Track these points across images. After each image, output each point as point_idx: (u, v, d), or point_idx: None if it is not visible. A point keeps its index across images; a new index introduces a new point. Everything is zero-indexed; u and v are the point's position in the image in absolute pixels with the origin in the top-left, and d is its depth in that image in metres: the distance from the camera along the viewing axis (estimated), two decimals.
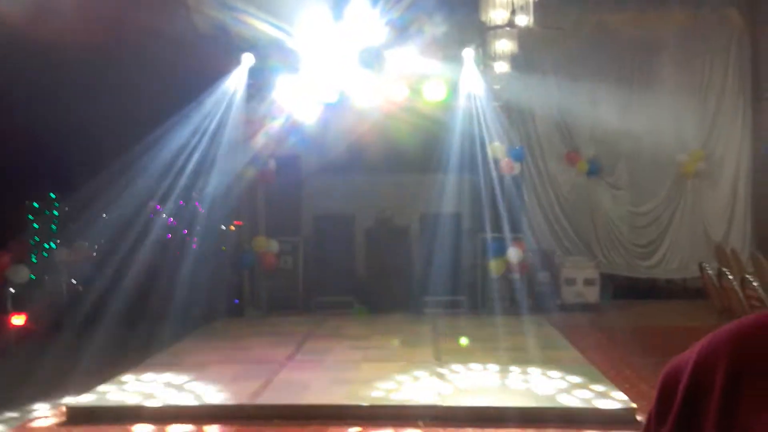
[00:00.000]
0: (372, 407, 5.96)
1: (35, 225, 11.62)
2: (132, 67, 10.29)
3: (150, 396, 6.32)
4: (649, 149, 11.81)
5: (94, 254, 11.48)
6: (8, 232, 11.29)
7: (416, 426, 5.67)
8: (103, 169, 11.46)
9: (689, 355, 0.90)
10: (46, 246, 11.70)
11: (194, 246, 12.03)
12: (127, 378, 6.97)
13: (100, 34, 8.77)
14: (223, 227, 11.92)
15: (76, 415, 5.94)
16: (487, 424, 5.66)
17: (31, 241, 11.73)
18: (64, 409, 6.06)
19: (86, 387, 6.53)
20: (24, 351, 8.96)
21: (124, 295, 9.53)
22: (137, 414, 5.97)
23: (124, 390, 6.55)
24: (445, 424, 5.69)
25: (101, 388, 6.57)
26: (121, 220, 11.16)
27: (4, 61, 8.44)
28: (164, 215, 11.38)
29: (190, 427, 5.74)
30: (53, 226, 11.96)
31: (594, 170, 11.92)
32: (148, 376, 7.00)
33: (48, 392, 6.55)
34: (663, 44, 11.71)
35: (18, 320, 9.51)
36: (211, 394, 6.38)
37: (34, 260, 11.12)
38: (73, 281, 10.67)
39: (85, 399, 6.24)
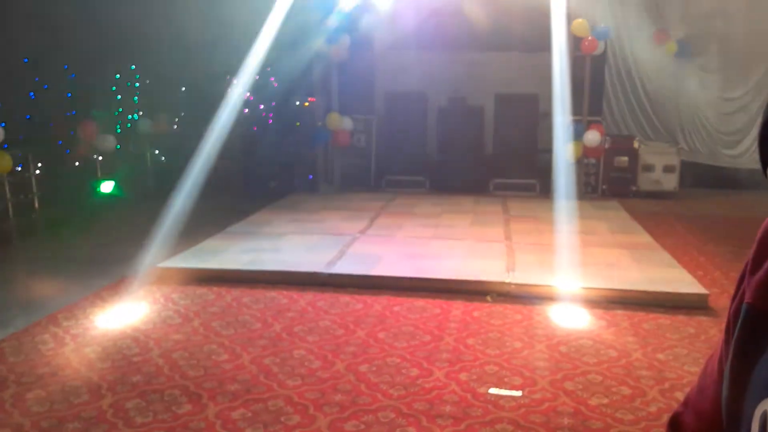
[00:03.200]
0: (441, 280, 6.13)
1: (118, 96, 11.97)
2: None
3: (232, 261, 6.68)
4: (744, 31, 11.02)
5: (175, 126, 11.83)
6: (93, 102, 11.72)
7: (485, 300, 5.82)
8: (181, 43, 11.58)
9: None
10: (129, 117, 12.11)
11: (270, 121, 12.23)
12: (210, 244, 7.36)
13: None
14: (298, 103, 12.00)
15: (166, 276, 6.35)
16: (553, 302, 5.77)
17: (115, 112, 12.15)
18: (155, 269, 6.47)
19: (172, 251, 6.93)
20: (113, 216, 9.52)
21: (205, 166, 9.83)
22: (221, 277, 6.34)
23: (208, 254, 6.93)
24: (513, 301, 5.83)
25: (187, 252, 6.98)
26: (200, 93, 11.38)
27: None
28: (241, 90, 11.46)
29: (270, 291, 6.07)
30: (135, 98, 12.30)
31: (684, 51, 11.25)
32: (229, 243, 7.37)
33: (138, 255, 6.97)
34: None
35: (106, 186, 10.02)
36: (288, 261, 6.68)
37: (118, 130, 11.56)
38: (156, 152, 11.06)
39: (174, 262, 6.65)
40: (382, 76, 11.54)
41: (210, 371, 4.44)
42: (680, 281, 6.09)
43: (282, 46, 10.54)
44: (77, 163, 9.89)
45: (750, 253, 0.88)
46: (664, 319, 5.43)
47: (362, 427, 3.73)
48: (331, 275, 6.30)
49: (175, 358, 4.65)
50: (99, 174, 9.93)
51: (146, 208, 8.74)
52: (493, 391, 4.16)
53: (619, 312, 5.60)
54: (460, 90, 11.16)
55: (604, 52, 10.67)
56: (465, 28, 10.81)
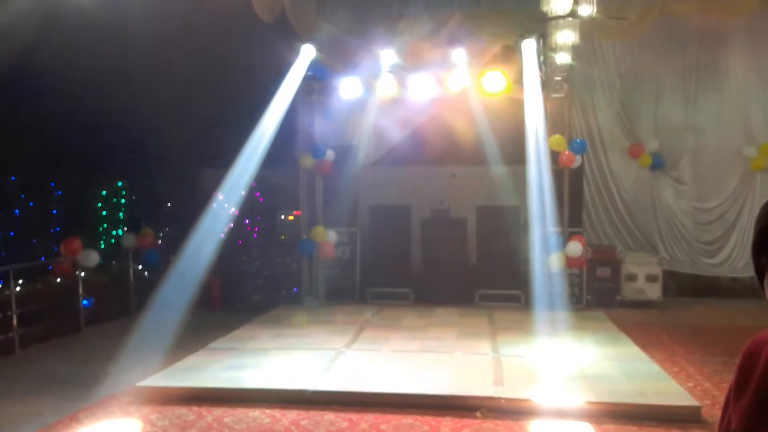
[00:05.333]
0: (429, 396, 5.99)
1: (103, 212, 12.05)
2: (196, 60, 10.53)
3: (214, 379, 6.51)
4: (714, 143, 11.48)
5: (159, 242, 11.84)
6: (78, 218, 11.79)
7: (474, 417, 5.67)
8: (170, 160, 11.83)
9: (765, 338, 0.91)
10: (114, 233, 12.13)
11: (254, 236, 12.30)
12: (191, 361, 7.19)
13: (166, 29, 8.98)
14: (283, 217, 12.13)
15: (145, 395, 6.15)
16: (544, 417, 5.63)
17: (99, 228, 12.19)
18: (133, 389, 6.27)
19: (153, 369, 6.76)
20: (93, 333, 9.34)
21: (189, 281, 9.78)
22: (202, 396, 6.15)
23: (189, 372, 6.76)
24: (504, 416, 5.68)
25: (168, 370, 6.80)
26: (185, 209, 11.50)
27: (73, 54, 8.75)
28: (226, 205, 11.58)
29: (252, 410, 5.88)
30: (120, 214, 12.38)
31: (657, 164, 11.63)
32: (211, 360, 7.21)
33: (117, 373, 6.79)
34: (730, 34, 11.30)
35: (87, 303, 9.87)
36: (272, 378, 6.52)
37: (102, 246, 11.55)
38: (140, 267, 11.00)
39: (153, 380, 6.46)
40: (366, 189, 11.76)
41: None
42: (671, 393, 6.00)
43: (268, 161, 10.80)
44: (59, 280, 9.78)
45: (732, 379, 0.91)
46: None
47: None
48: (316, 392, 6.14)
49: None
50: (80, 290, 9.80)
51: (128, 325, 8.61)
52: None
53: (611, 426, 5.47)
54: (443, 203, 11.37)
55: (582, 165, 11.00)
56: (447, 143, 11.16)
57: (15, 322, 8.34)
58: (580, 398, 5.87)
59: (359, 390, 6.17)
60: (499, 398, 5.91)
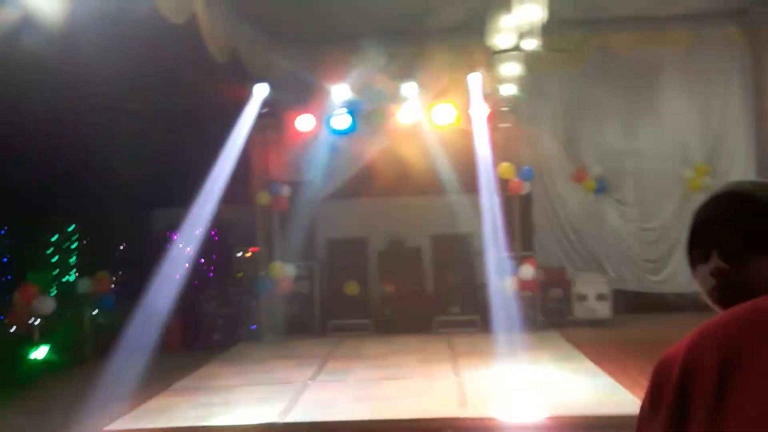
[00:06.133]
0: (397, 421, 6.13)
1: (55, 257, 11.89)
2: (150, 100, 10.58)
3: (183, 418, 6.51)
4: (654, 166, 12.03)
5: (113, 285, 11.70)
6: (29, 264, 11.58)
7: None
8: (121, 200, 11.74)
9: (679, 347, 0.95)
10: (65, 279, 11.95)
11: (210, 274, 12.28)
12: (159, 402, 7.16)
13: (120, 70, 9.06)
14: (240, 254, 12.16)
15: None
16: None
17: (51, 273, 11.99)
18: None
19: (120, 413, 6.71)
20: (50, 381, 9.14)
21: (147, 323, 9.70)
22: None
23: (157, 413, 6.74)
24: None
25: (135, 412, 6.77)
26: (138, 251, 11.42)
27: (27, 94, 8.75)
28: (181, 245, 11.55)
29: None
30: (72, 258, 12.22)
31: (601, 188, 12.14)
32: (179, 400, 7.20)
33: (82, 420, 6.71)
34: (665, 63, 11.94)
35: (40, 352, 9.64)
36: (240, 415, 6.57)
37: (53, 292, 11.35)
38: (95, 312, 10.85)
39: (122, 424, 6.43)
40: (322, 223, 11.92)
41: None
42: (627, 403, 6.27)
43: (224, 199, 10.86)
44: (12, 329, 9.58)
45: (645, 398, 1.00)
46: None
47: None
48: (286, 425, 6.20)
49: None
50: (36, 339, 9.60)
51: (86, 372, 8.48)
52: None
53: None
54: (398, 233, 11.61)
55: (530, 192, 11.41)
56: (400, 174, 11.43)
57: None
58: (542, 413, 6.09)
59: (328, 419, 6.26)
60: (464, 419, 6.08)
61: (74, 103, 9.77)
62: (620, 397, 6.55)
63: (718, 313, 1.00)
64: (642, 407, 0.97)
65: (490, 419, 6.07)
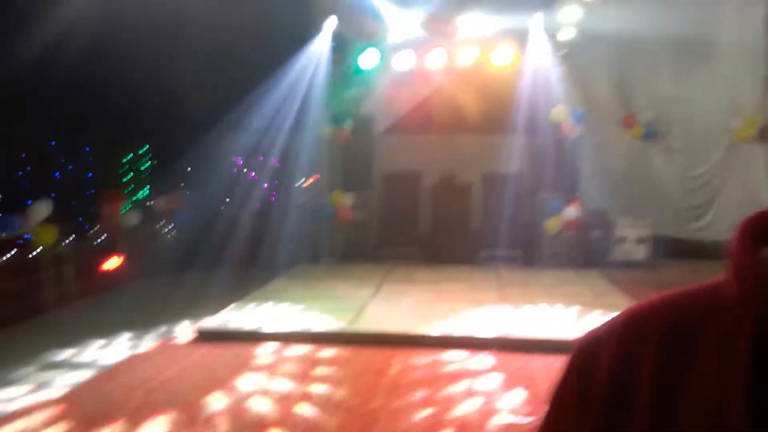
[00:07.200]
0: (450, 337, 6.94)
1: (130, 174, 12.84)
2: (220, 31, 11.22)
3: (265, 322, 7.44)
4: (703, 115, 12.26)
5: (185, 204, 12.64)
6: (108, 181, 12.57)
7: (489, 351, 6.63)
8: (195, 126, 12.53)
9: (608, 336, 0.72)
10: (141, 195, 12.94)
11: (272, 199, 13.12)
12: (240, 307, 8.13)
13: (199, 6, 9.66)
14: (302, 181, 12.94)
15: (204, 335, 7.09)
16: (552, 353, 6.57)
17: (125, 190, 12.98)
18: (194, 330, 7.20)
19: (205, 314, 7.68)
20: (134, 290, 10.08)
21: (216, 241, 10.60)
22: (253, 336, 7.08)
23: (241, 316, 7.71)
24: (514, 352, 6.63)
25: (220, 314, 7.74)
26: (209, 173, 12.27)
27: (109, 29, 9.46)
28: (246, 170, 12.33)
29: (297, 347, 6.81)
30: (145, 177, 13.17)
31: (649, 134, 12.49)
32: (257, 308, 8.15)
33: (173, 319, 7.68)
34: (723, 5, 11.95)
35: (114, 262, 10.49)
36: (312, 321, 7.46)
37: (128, 207, 12.33)
38: (170, 226, 11.82)
39: (209, 322, 7.40)
40: (379, 156, 12.58)
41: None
42: None
43: (289, 128, 11.57)
44: (98, 240, 10.54)
45: (562, 387, 0.74)
46: None
47: None
48: (352, 333, 7.06)
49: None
50: (117, 250, 10.54)
51: (161, 282, 9.43)
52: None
53: None
54: (451, 170, 12.23)
55: (581, 134, 11.85)
56: (454, 114, 11.97)
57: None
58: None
59: (390, 331, 7.11)
60: (509, 338, 6.84)
61: (147, 38, 10.44)
62: None
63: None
64: (558, 399, 0.74)
65: (534, 338, 6.84)
